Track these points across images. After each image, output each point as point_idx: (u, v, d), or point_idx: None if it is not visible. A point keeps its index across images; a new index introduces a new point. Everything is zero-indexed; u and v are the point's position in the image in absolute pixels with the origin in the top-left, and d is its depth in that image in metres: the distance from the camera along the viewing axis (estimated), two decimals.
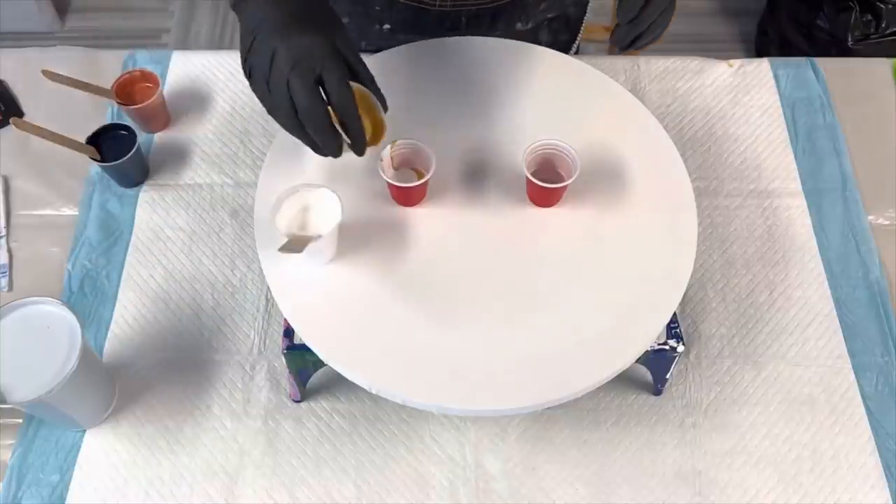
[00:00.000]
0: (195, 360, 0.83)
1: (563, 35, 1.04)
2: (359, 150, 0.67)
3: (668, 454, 0.78)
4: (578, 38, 1.07)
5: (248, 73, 0.65)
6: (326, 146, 0.66)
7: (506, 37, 0.90)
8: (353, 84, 0.66)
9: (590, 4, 1.05)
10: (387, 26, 0.96)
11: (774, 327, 0.85)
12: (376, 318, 0.71)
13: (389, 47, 0.88)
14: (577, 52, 1.10)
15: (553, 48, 0.94)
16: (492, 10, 0.94)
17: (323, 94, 0.63)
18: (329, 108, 0.64)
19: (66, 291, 0.86)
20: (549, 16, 1.00)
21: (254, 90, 0.65)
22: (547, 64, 0.88)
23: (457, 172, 0.79)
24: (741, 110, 1.01)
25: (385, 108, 0.70)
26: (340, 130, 0.66)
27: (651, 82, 1.04)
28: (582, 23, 1.05)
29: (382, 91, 0.69)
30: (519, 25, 0.98)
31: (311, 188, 0.72)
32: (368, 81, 0.68)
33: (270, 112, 0.65)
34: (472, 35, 0.90)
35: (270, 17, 0.64)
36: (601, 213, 0.77)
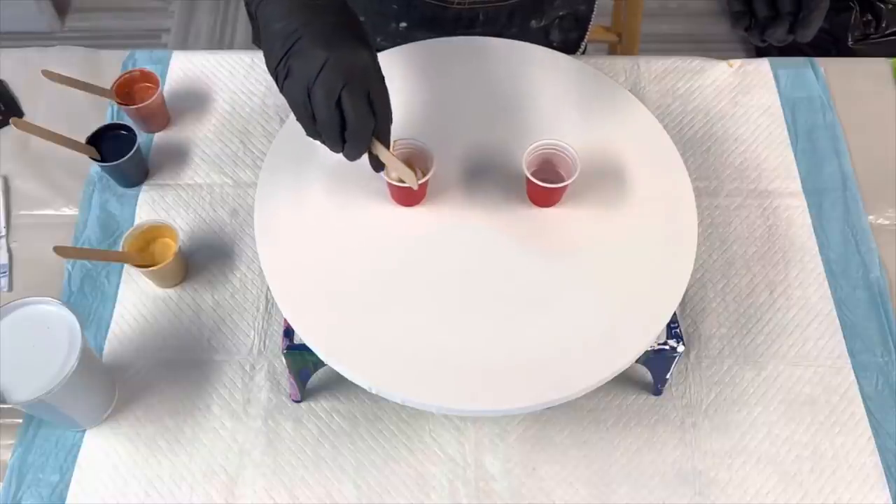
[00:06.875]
0: (195, 360, 0.83)
1: (573, 33, 1.04)
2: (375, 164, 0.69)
3: (668, 454, 0.78)
4: (587, 36, 1.07)
5: (285, 76, 0.60)
6: (358, 156, 0.66)
7: (520, 34, 0.90)
8: None
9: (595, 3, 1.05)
10: (403, 24, 0.96)
11: (774, 327, 0.85)
12: (376, 318, 0.71)
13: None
14: (584, 50, 1.10)
15: (564, 46, 0.94)
16: (509, 8, 0.94)
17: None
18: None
19: (66, 291, 0.86)
20: (561, 13, 1.00)
21: (286, 95, 0.61)
22: (547, 64, 0.88)
23: (457, 172, 0.79)
24: (741, 110, 1.01)
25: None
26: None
27: (651, 82, 1.04)
28: (590, 21, 1.06)
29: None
30: (533, 23, 0.98)
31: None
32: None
33: (300, 119, 0.62)
34: (488, 32, 0.90)
35: (312, 21, 0.60)
36: (601, 213, 0.77)
